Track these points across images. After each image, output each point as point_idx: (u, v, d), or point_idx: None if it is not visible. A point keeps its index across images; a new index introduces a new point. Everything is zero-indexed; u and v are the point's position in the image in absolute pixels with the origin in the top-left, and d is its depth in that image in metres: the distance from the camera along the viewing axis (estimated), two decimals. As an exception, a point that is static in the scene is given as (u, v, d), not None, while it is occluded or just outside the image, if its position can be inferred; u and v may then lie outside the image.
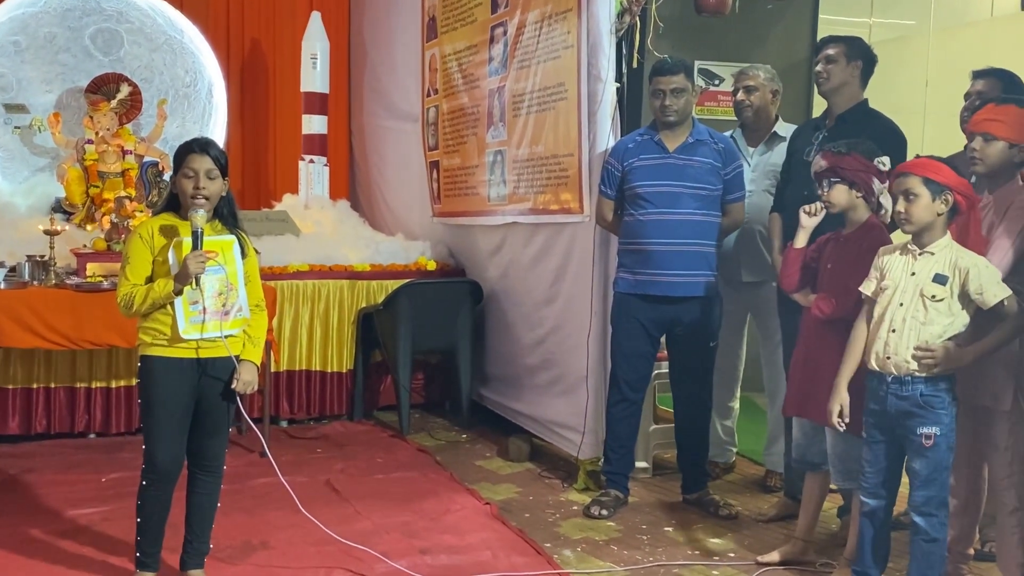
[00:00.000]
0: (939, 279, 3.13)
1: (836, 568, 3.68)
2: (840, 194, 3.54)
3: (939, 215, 3.15)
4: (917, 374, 3.15)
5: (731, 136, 4.74)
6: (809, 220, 3.68)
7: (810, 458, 3.72)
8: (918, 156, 3.37)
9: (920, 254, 3.19)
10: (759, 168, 4.63)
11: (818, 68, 4.15)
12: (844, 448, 3.53)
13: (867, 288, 3.32)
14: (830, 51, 4.11)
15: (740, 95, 4.72)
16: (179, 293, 3.14)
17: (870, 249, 3.46)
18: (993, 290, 3.09)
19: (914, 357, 3.14)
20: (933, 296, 3.13)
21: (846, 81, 4.10)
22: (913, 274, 3.18)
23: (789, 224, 4.07)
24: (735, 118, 4.91)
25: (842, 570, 3.60)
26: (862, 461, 3.37)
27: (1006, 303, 3.08)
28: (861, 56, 4.12)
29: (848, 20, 7.24)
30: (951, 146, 4.06)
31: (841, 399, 3.34)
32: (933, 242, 3.18)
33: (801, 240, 3.71)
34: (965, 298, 3.13)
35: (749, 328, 4.90)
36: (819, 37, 6.63)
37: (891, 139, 3.90)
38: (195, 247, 3.14)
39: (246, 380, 3.29)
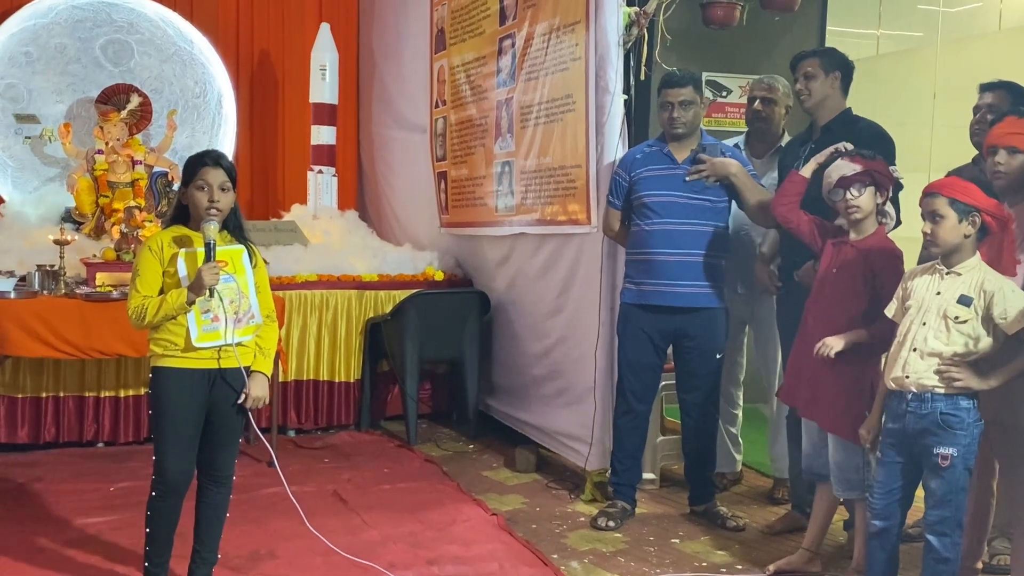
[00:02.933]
0: (964, 300, 3.09)
1: (843, 580, 3.68)
2: (870, 199, 3.51)
3: (966, 237, 3.11)
4: (937, 391, 3.12)
5: (736, 144, 4.75)
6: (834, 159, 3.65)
7: (817, 469, 3.72)
8: (948, 174, 3.34)
9: (947, 274, 3.15)
10: (763, 181, 4.62)
11: (798, 86, 4.15)
12: (843, 457, 3.52)
13: (889, 310, 3.32)
14: (807, 68, 4.10)
15: (757, 104, 4.70)
16: (192, 303, 3.16)
17: (885, 260, 3.45)
18: (1017, 316, 3.03)
19: (936, 372, 3.11)
20: (956, 318, 3.09)
21: (827, 94, 4.10)
22: (939, 294, 3.14)
23: (786, 242, 4.09)
24: (745, 128, 4.90)
25: (849, 582, 3.60)
26: (872, 481, 3.36)
27: None
28: (838, 67, 4.11)
29: (855, 32, 7.26)
30: (959, 159, 4.06)
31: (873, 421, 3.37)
32: (961, 263, 3.14)
33: (808, 170, 3.73)
34: (989, 322, 3.09)
35: (747, 338, 4.91)
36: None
37: (879, 143, 3.90)
38: (208, 259, 3.15)
39: (256, 396, 3.29)
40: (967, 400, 3.12)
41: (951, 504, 3.14)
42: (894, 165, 3.75)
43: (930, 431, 3.14)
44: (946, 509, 3.14)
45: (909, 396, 3.17)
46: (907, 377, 3.16)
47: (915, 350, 3.15)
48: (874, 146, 3.72)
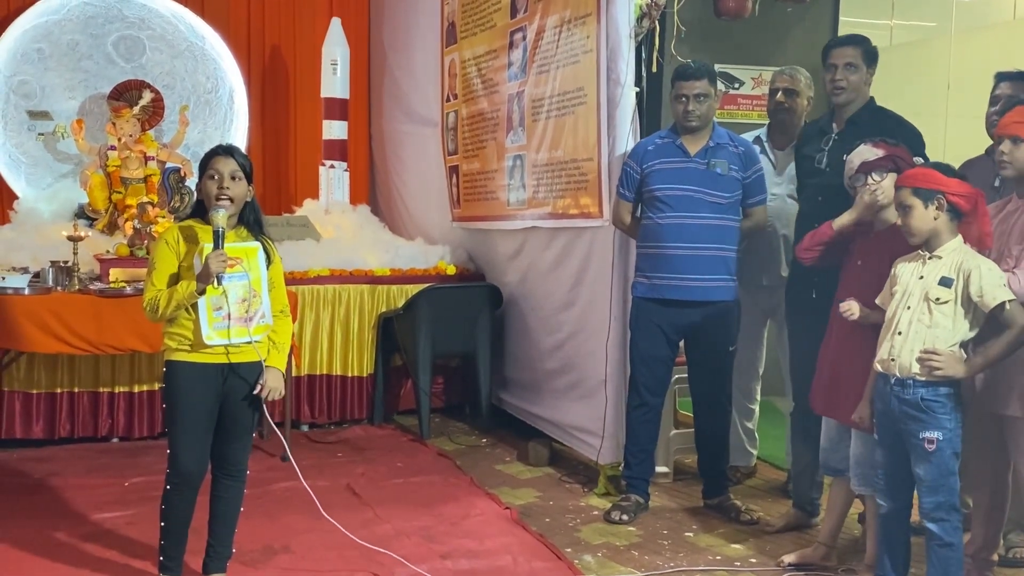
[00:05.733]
0: (944, 282, 3.14)
1: (857, 573, 3.66)
2: (893, 185, 3.46)
3: (936, 219, 3.16)
4: (918, 377, 3.15)
5: (758, 136, 4.72)
6: (860, 207, 3.55)
7: (835, 464, 3.71)
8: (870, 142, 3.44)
9: (929, 258, 3.20)
10: (785, 172, 4.59)
11: (837, 76, 3.98)
12: (862, 451, 3.51)
13: (880, 298, 3.34)
14: (849, 58, 3.97)
15: (780, 96, 4.63)
16: (202, 293, 3.16)
17: (904, 243, 3.44)
18: (993, 292, 3.07)
19: (919, 360, 3.14)
20: (937, 299, 3.13)
21: (861, 89, 4.01)
22: (921, 278, 3.19)
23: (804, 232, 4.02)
24: (758, 120, 4.87)
25: (863, 575, 3.59)
26: (875, 464, 3.37)
27: (1007, 306, 3.07)
28: (874, 60, 4.03)
29: (869, 22, 7.20)
30: (973, 149, 4.03)
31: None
32: (941, 246, 3.19)
33: (840, 223, 3.59)
34: (968, 302, 3.12)
35: (768, 331, 4.89)
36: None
37: (908, 139, 3.81)
38: (216, 246, 3.16)
39: (271, 386, 3.31)
40: (948, 385, 3.15)
41: (943, 489, 3.16)
42: (923, 161, 3.68)
43: (913, 416, 3.17)
44: (939, 495, 3.16)
45: (893, 380, 3.21)
46: (892, 360, 3.20)
47: (900, 333, 3.19)
48: (902, 142, 3.67)
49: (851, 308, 3.45)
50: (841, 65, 3.99)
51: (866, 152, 3.54)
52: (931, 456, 3.15)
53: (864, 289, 3.53)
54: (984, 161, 3.88)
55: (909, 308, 3.19)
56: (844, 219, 3.62)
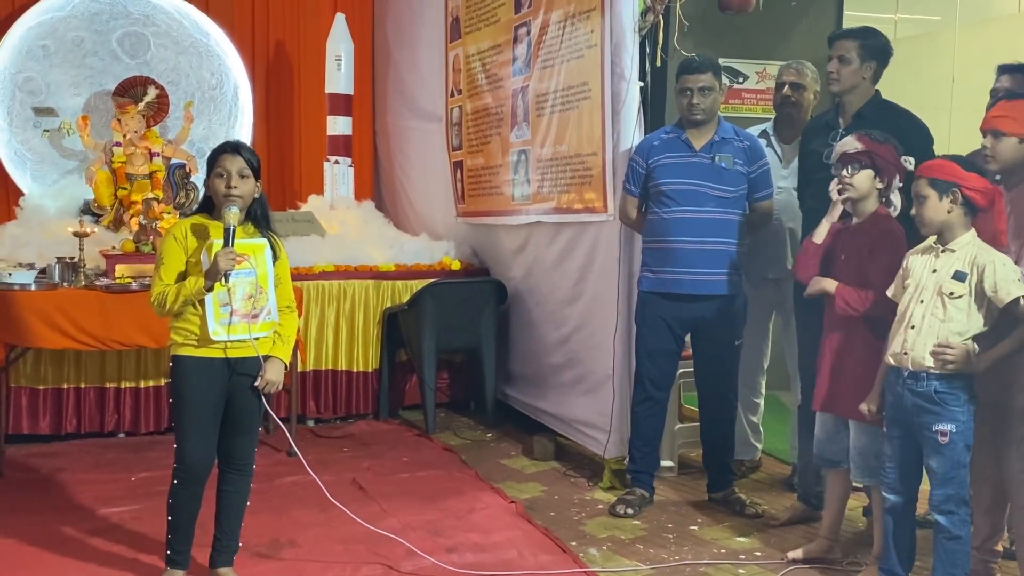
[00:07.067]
0: (958, 276, 3.13)
1: (864, 567, 3.67)
2: (865, 180, 3.51)
3: (949, 212, 3.15)
4: (932, 371, 3.15)
5: (764, 130, 4.72)
6: (834, 213, 3.64)
7: (829, 456, 3.71)
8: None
9: (942, 252, 3.20)
10: (791, 166, 4.58)
11: (830, 68, 4.01)
12: (865, 442, 3.52)
13: (891, 290, 3.35)
14: (844, 51, 3.97)
15: (786, 90, 4.64)
16: (210, 289, 3.17)
17: (881, 237, 3.46)
18: (1008, 287, 3.07)
19: (932, 354, 3.14)
20: (951, 293, 3.13)
21: (856, 84, 3.99)
22: (934, 271, 3.19)
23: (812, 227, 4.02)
24: (762, 114, 4.87)
25: (870, 569, 3.59)
26: (883, 457, 3.38)
27: (1022, 301, 3.06)
28: (876, 56, 3.99)
29: (873, 16, 7.20)
30: (977, 142, 4.01)
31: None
32: (955, 239, 3.18)
33: (820, 235, 3.68)
34: (982, 296, 3.12)
35: (773, 325, 4.89)
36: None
37: (916, 134, 3.83)
38: (226, 244, 3.17)
39: (269, 379, 3.32)
40: (962, 378, 3.15)
41: (954, 482, 3.16)
42: (933, 156, 3.66)
43: (927, 409, 3.17)
44: (950, 487, 3.17)
45: (905, 373, 3.21)
46: (905, 354, 3.21)
47: (913, 327, 3.19)
48: (910, 137, 3.65)
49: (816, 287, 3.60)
50: (836, 57, 4.01)
51: (849, 144, 3.55)
52: (944, 448, 3.15)
53: (848, 282, 3.54)
54: (981, 155, 3.87)
55: (922, 302, 3.19)
56: (822, 229, 3.68)
